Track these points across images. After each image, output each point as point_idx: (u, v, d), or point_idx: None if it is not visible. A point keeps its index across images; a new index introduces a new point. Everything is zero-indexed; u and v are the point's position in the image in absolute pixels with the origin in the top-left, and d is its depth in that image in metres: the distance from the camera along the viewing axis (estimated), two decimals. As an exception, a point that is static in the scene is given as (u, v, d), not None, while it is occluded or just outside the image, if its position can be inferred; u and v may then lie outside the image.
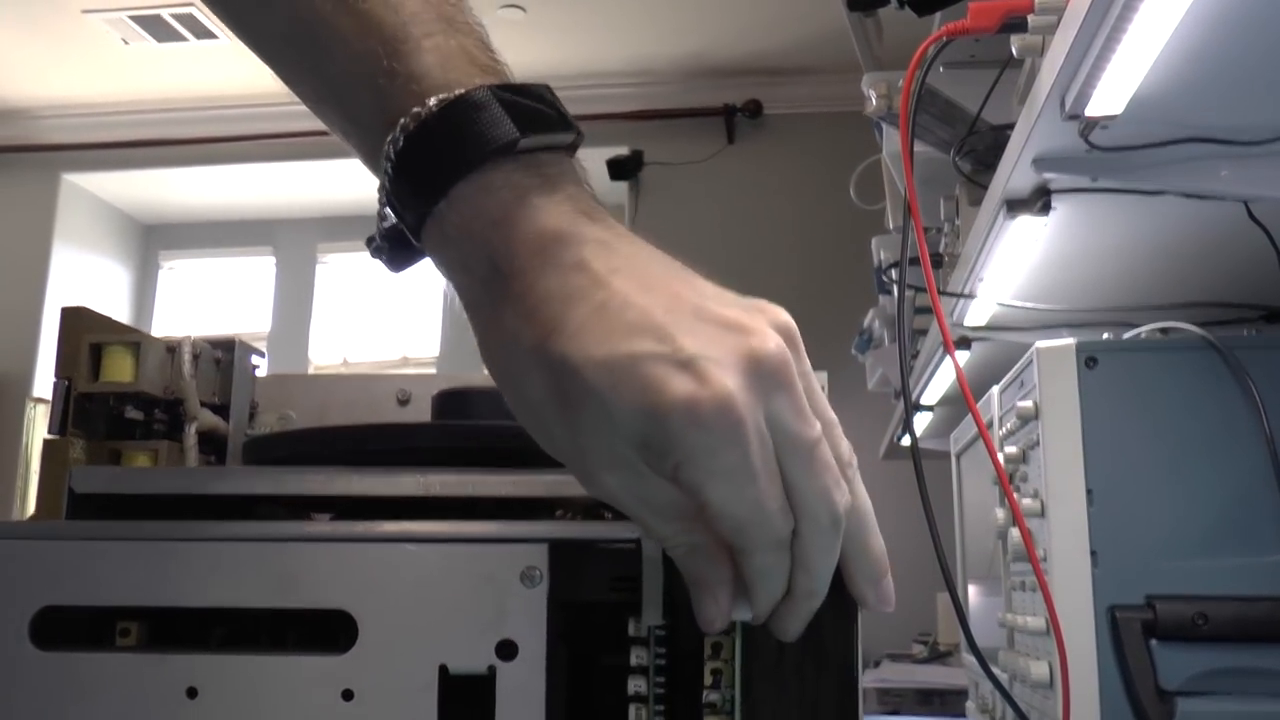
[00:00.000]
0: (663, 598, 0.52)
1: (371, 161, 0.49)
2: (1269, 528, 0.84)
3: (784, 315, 0.45)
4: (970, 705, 1.16)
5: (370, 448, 0.61)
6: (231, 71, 3.80)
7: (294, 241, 4.43)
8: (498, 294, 0.45)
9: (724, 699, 0.52)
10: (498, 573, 0.53)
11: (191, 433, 0.73)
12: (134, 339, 0.72)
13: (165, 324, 4.52)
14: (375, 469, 0.56)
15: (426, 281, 4.19)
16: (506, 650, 0.52)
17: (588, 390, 0.42)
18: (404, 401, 0.96)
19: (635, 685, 0.52)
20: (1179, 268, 1.04)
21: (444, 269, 0.48)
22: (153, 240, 4.68)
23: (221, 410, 0.79)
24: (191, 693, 0.52)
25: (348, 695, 0.52)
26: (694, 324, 0.43)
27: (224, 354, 0.81)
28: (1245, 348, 0.86)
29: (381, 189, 0.48)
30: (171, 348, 0.74)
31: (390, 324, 4.20)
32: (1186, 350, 0.87)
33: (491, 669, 0.52)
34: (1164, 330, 0.90)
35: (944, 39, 0.78)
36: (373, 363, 4.20)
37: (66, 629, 0.55)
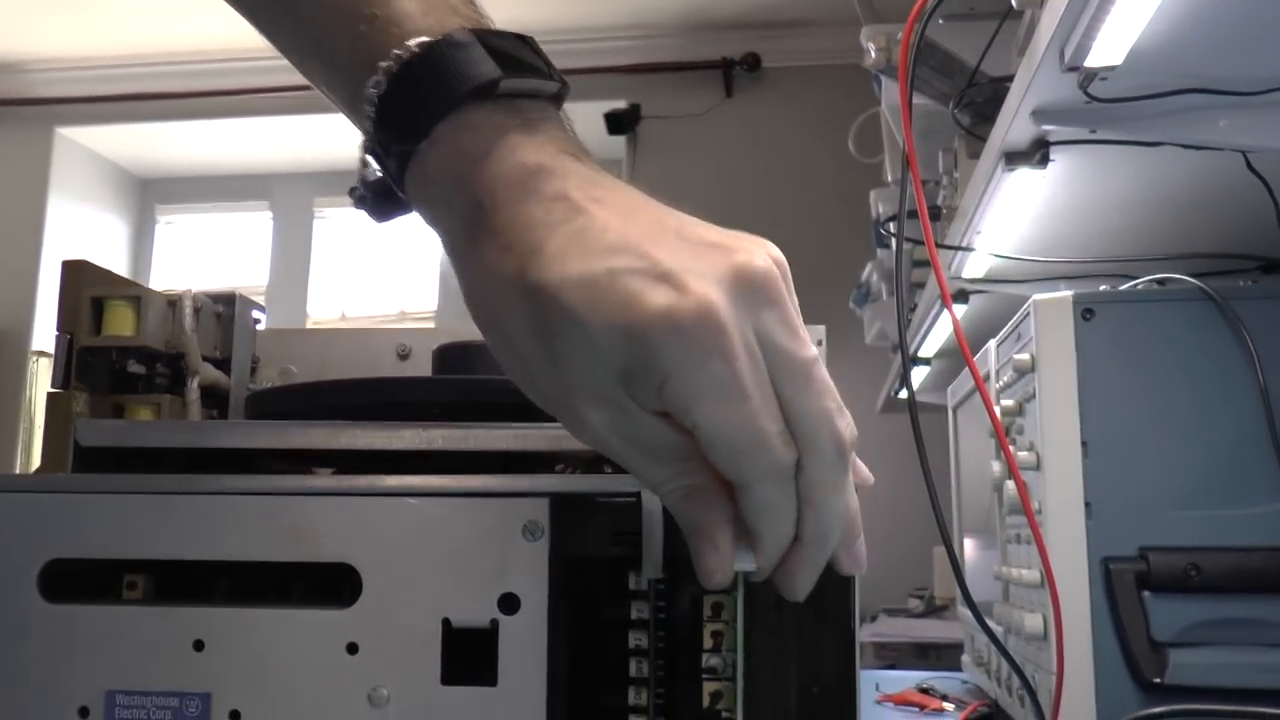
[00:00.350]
0: (663, 552, 0.53)
1: (353, 110, 0.49)
2: (1262, 478, 0.85)
3: (773, 247, 0.44)
4: (965, 658, 1.17)
5: (373, 402, 0.61)
6: (227, 25, 3.76)
7: (291, 196, 4.41)
8: (478, 230, 0.44)
9: (725, 663, 0.52)
10: (500, 526, 0.53)
11: (194, 387, 0.73)
12: (135, 293, 0.72)
13: (163, 278, 4.51)
14: (378, 423, 0.56)
15: (425, 237, 4.18)
16: (509, 604, 0.53)
17: (565, 312, 0.40)
18: (404, 355, 0.96)
19: (636, 639, 0.53)
20: (1177, 219, 1.04)
21: (426, 214, 0.47)
22: (149, 194, 4.66)
23: (223, 364, 0.79)
24: (198, 645, 0.53)
25: (352, 648, 0.53)
26: (676, 243, 0.41)
27: (224, 308, 0.81)
28: (1241, 298, 0.86)
29: (364, 135, 0.48)
30: (172, 301, 0.74)
31: (388, 279, 4.20)
32: (1183, 301, 0.87)
33: (494, 622, 0.53)
34: (1161, 281, 0.91)
35: (944, -9, 0.78)
36: (371, 317, 4.20)
37: (74, 581, 0.56)
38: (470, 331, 1.00)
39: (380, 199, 0.50)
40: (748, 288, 0.41)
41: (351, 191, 0.52)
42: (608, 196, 0.43)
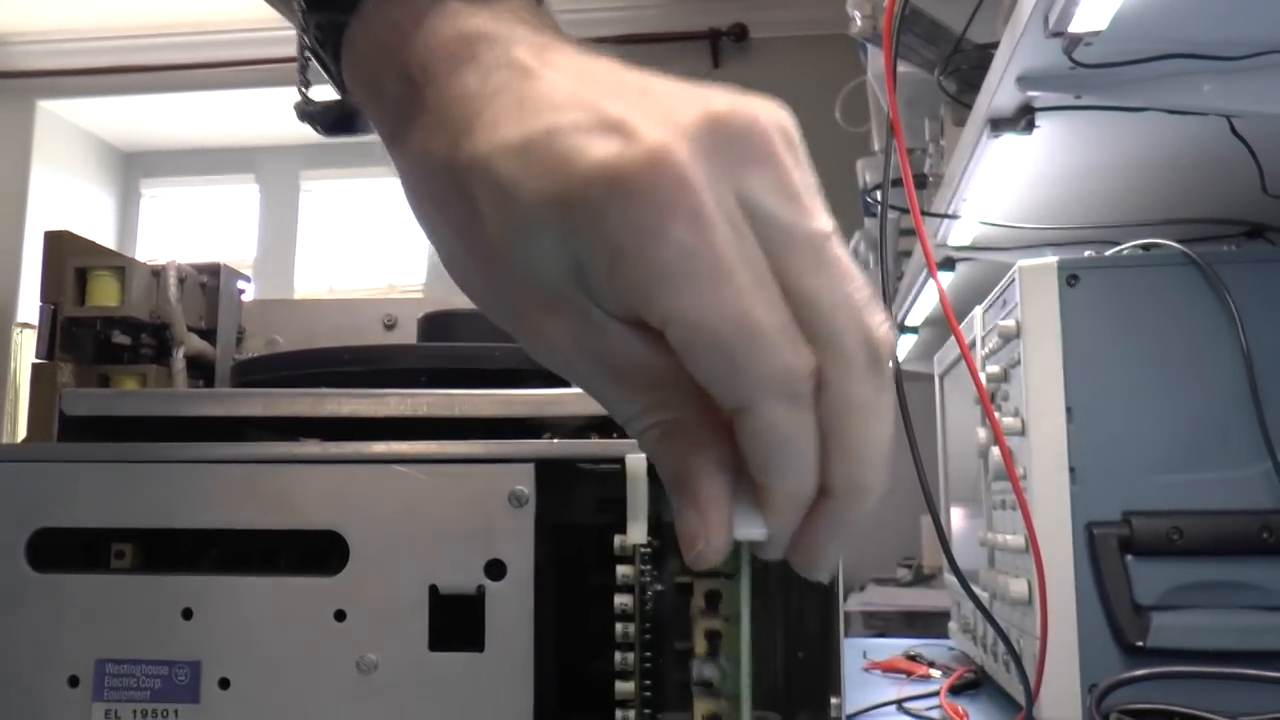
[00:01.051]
0: (648, 516, 0.53)
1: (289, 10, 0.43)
2: (1244, 442, 0.86)
3: (779, 109, 0.33)
4: (952, 625, 1.18)
5: (358, 369, 0.61)
6: (208, -4, 3.74)
7: (277, 169, 4.38)
8: (410, 111, 0.36)
9: (723, 676, 0.41)
10: (486, 493, 0.54)
11: (179, 357, 0.73)
12: (119, 263, 0.72)
13: (150, 252, 4.49)
14: (363, 390, 0.56)
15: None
16: (495, 570, 0.54)
17: (496, 188, 0.32)
18: (390, 325, 0.96)
19: (621, 603, 0.54)
20: (1162, 184, 1.05)
21: (365, 106, 0.40)
22: (133, 168, 4.63)
23: (208, 335, 0.79)
24: (187, 613, 0.54)
25: (340, 615, 0.53)
26: (637, 96, 0.32)
27: (209, 278, 0.81)
28: (1225, 263, 0.87)
29: (299, 30, 0.42)
30: (157, 272, 0.74)
31: (376, 253, 4.18)
32: (1167, 266, 0.87)
33: (481, 589, 0.53)
34: (1145, 247, 0.91)
35: (929, -44, 0.77)
36: (358, 291, 4.19)
37: (62, 551, 0.56)
38: (455, 301, 1.00)
39: (326, 111, 0.45)
40: (725, 140, 0.31)
41: (296, 106, 0.45)
42: (566, 61, 0.35)
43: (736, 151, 0.31)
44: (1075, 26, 0.74)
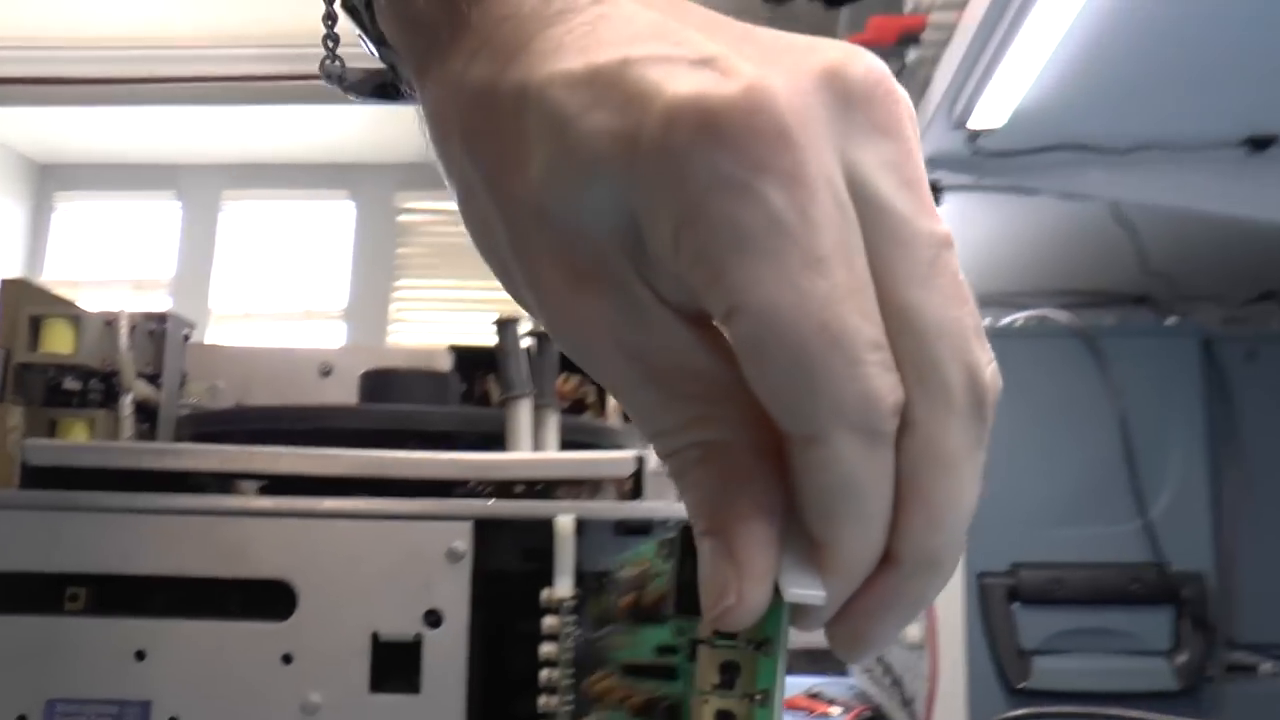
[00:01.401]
0: (573, 571, 0.58)
1: None
2: (1120, 500, 0.94)
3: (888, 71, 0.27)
4: (854, 665, 1.25)
5: (305, 427, 0.65)
6: (134, 11, 3.71)
7: (198, 187, 4.35)
8: (449, 35, 0.30)
9: None
10: (426, 548, 0.58)
11: (127, 403, 0.76)
12: (73, 312, 0.74)
13: (60, 266, 4.41)
14: (315, 449, 0.60)
15: (334, 234, 4.16)
16: (433, 619, 0.58)
17: (552, 123, 0.26)
18: (325, 373, 1.00)
19: (546, 651, 0.58)
20: (1055, 259, 1.13)
21: (396, 37, 0.33)
22: (49, 180, 4.55)
23: (153, 380, 0.82)
24: (140, 655, 0.57)
25: (287, 659, 0.57)
26: (735, 37, 0.26)
27: (157, 325, 0.83)
28: (1106, 335, 0.95)
29: None
30: (109, 320, 0.77)
31: (296, 276, 4.17)
32: (1055, 337, 0.95)
33: (418, 636, 0.58)
34: (1036, 318, 0.99)
35: (845, 48, 0.84)
36: (276, 314, 4.17)
37: (15, 593, 0.59)
38: (389, 352, 1.04)
39: (366, 80, 0.39)
40: (843, 95, 0.24)
41: (321, 65, 0.39)
42: None
43: (856, 113, 0.24)
44: (975, 122, 0.82)
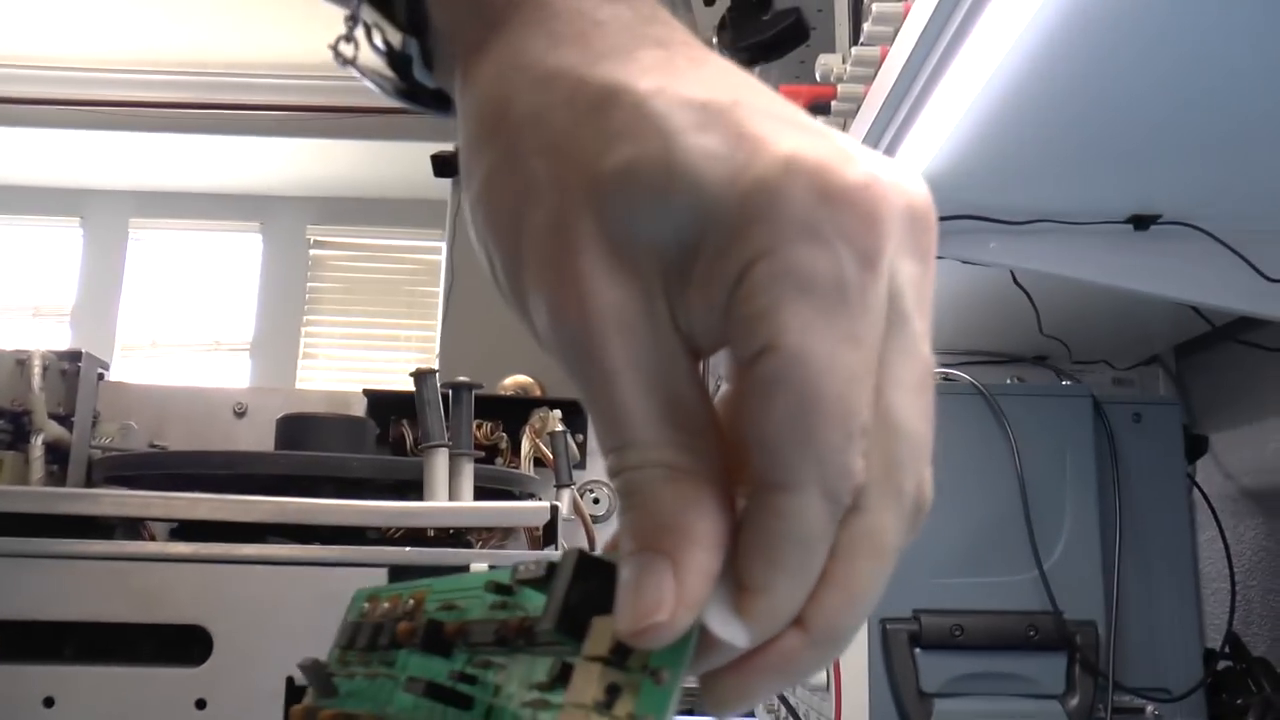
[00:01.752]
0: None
1: None
2: (1017, 551, 0.97)
3: None
4: (759, 706, 1.27)
5: (225, 472, 0.65)
6: (37, 32, 3.63)
7: (104, 213, 4.26)
8: (523, 15, 0.31)
9: None
10: (342, 593, 0.59)
11: (38, 444, 0.75)
12: (-18, 352, 0.74)
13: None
14: (235, 496, 0.61)
15: (244, 266, 4.10)
16: (350, 663, 0.58)
17: (645, 126, 0.27)
18: (240, 413, 0.99)
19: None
20: (955, 321, 1.17)
21: (452, 11, 0.34)
22: (-56, 202, 4.42)
23: (65, 420, 0.81)
24: (48, 702, 0.57)
25: (200, 704, 0.57)
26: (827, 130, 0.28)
27: (69, 364, 0.83)
28: (1006, 394, 0.99)
29: None
30: (21, 360, 0.76)
31: (204, 308, 4.09)
32: (959, 395, 0.99)
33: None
34: (940, 375, 1.03)
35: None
36: (183, 345, 4.09)
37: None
38: (304, 396, 1.04)
39: (436, 96, 0.38)
40: (910, 217, 0.27)
41: (381, 82, 0.38)
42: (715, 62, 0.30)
43: (911, 235, 0.27)
44: (883, 187, 0.85)
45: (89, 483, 0.80)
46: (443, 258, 2.38)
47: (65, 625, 0.58)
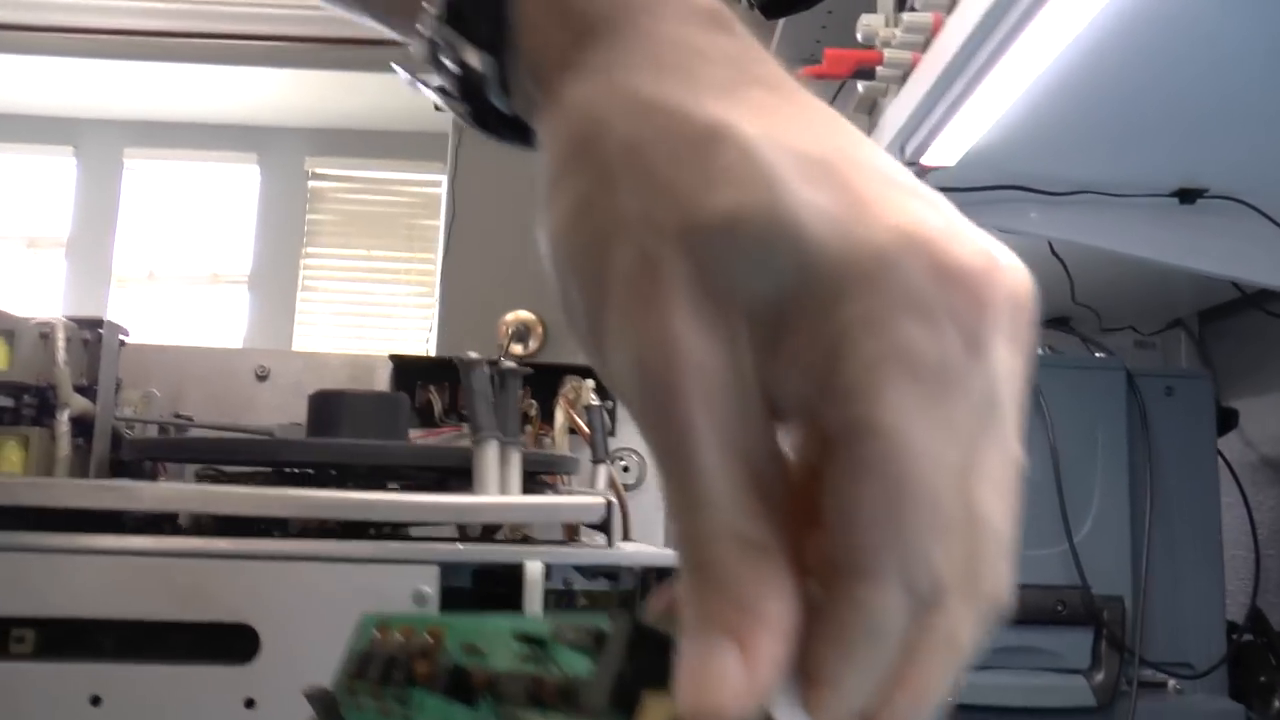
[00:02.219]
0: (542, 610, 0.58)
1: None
2: (1049, 524, 0.97)
3: None
4: None
5: (262, 460, 0.64)
6: (32, -44, 3.55)
7: (98, 143, 4.19)
8: (611, 44, 0.29)
9: None
10: (391, 590, 0.58)
11: (64, 420, 0.73)
12: (7, 326, 0.72)
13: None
14: (282, 489, 0.59)
15: (239, 197, 4.05)
16: (398, 660, 0.58)
17: (752, 172, 0.25)
18: (262, 377, 0.98)
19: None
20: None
21: (544, 28, 0.32)
22: (-66, 129, 4.34)
23: (87, 391, 0.79)
24: (95, 700, 0.56)
25: (249, 703, 0.56)
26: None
27: (90, 334, 0.81)
28: (1040, 365, 0.98)
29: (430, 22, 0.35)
30: (44, 333, 0.74)
31: (201, 239, 4.05)
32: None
33: (385, 678, 0.57)
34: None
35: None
36: (180, 277, 4.05)
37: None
38: (327, 360, 1.02)
39: (469, 86, 0.36)
40: (1018, 310, 0.26)
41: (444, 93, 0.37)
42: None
43: (1017, 325, 0.25)
44: (929, 159, 0.83)
45: (115, 458, 0.79)
46: (443, 191, 2.34)
47: (108, 623, 0.57)
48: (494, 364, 0.67)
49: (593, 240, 0.27)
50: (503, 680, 0.34)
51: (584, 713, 0.30)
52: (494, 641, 0.36)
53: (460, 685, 0.36)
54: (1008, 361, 0.25)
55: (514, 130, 0.35)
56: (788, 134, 0.26)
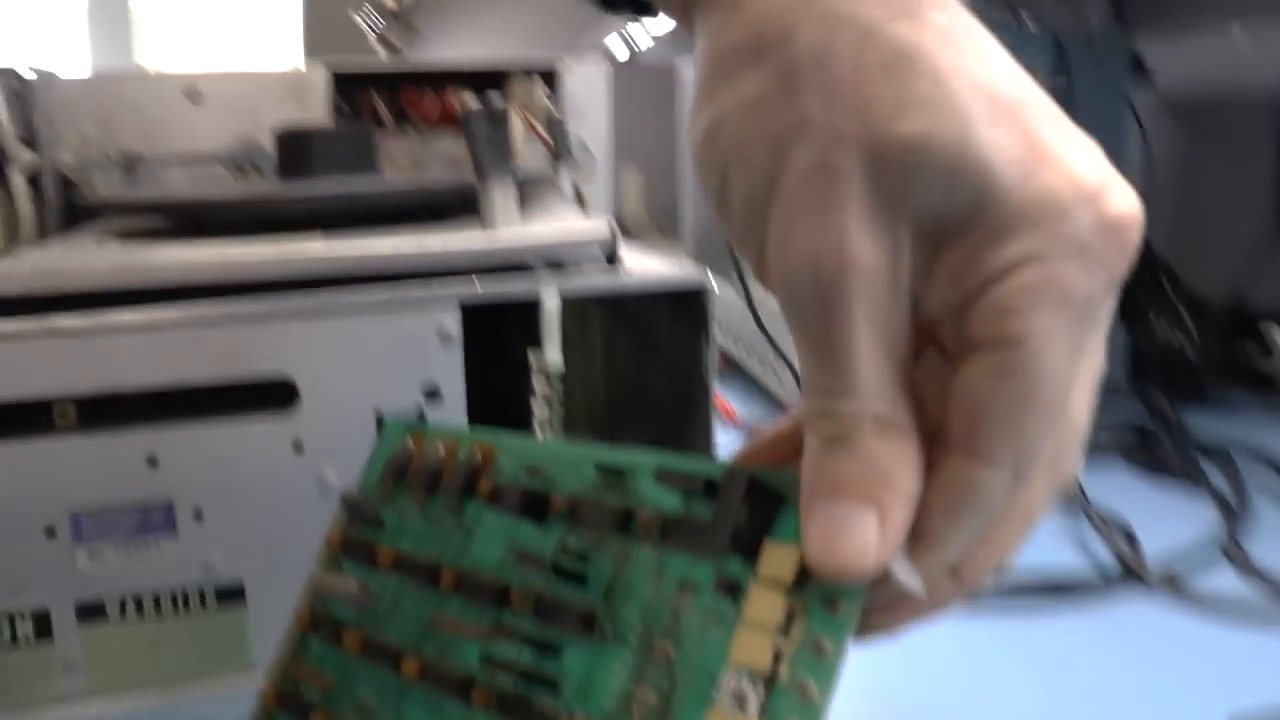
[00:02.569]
0: (560, 346, 0.62)
1: None
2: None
3: None
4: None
5: (251, 215, 0.64)
6: None
7: None
8: None
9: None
10: (418, 330, 0.61)
11: (20, 179, 0.71)
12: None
13: None
14: (309, 235, 0.59)
15: None
16: (431, 393, 0.61)
17: (947, 101, 0.27)
18: (194, 100, 0.94)
19: (540, 415, 0.63)
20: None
21: None
22: None
23: (28, 144, 0.76)
24: (153, 461, 0.58)
25: (298, 445, 0.60)
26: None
27: (18, 82, 0.76)
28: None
29: None
30: (-23, 92, 0.70)
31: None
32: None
33: (420, 410, 0.61)
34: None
35: None
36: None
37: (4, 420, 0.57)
38: (263, 87, 0.98)
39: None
40: (1128, 248, 0.29)
41: None
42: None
43: (1122, 267, 0.29)
44: None
45: (69, 209, 0.77)
46: None
47: (150, 396, 0.59)
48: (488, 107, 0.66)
49: (766, 137, 0.29)
50: (585, 507, 0.36)
51: (702, 554, 0.32)
52: (560, 466, 0.38)
53: (532, 506, 0.38)
54: (1104, 309, 0.29)
55: (636, 6, 0.36)
56: (972, 68, 0.28)
